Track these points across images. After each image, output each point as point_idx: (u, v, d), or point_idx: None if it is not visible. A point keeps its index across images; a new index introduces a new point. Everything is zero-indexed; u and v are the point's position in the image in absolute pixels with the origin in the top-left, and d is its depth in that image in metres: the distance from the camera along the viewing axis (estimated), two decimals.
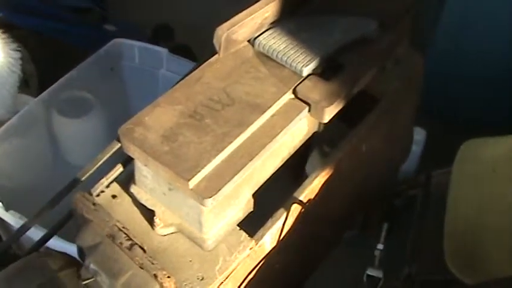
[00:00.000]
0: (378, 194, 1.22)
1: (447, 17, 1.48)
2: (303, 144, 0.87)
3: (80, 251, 0.69)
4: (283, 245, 0.85)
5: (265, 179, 0.80)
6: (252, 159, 0.71)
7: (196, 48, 1.69)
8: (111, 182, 0.80)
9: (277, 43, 0.82)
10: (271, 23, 0.85)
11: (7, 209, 1.11)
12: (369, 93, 0.97)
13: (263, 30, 0.84)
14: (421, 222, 1.28)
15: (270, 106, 0.75)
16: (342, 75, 0.80)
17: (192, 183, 0.67)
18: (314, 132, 0.87)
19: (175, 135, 0.71)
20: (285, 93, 0.77)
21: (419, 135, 1.40)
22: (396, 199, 1.41)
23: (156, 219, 0.75)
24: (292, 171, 0.96)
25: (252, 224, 0.82)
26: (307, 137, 0.86)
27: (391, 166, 1.18)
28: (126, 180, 0.80)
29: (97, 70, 1.36)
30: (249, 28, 0.79)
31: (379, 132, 1.01)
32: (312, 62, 0.80)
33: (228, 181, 0.69)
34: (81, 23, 1.67)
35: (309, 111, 0.79)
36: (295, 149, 0.84)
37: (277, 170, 0.83)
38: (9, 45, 1.27)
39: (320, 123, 0.86)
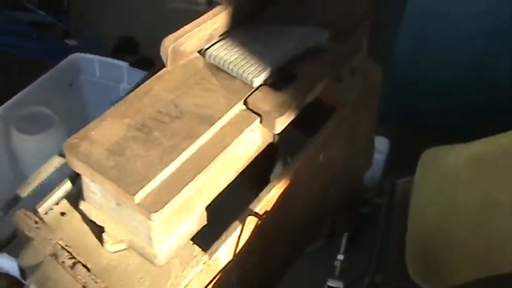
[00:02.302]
0: (342, 203, 1.22)
1: (407, 22, 1.49)
2: (267, 155, 0.86)
3: (22, 271, 0.67)
4: (240, 258, 0.84)
5: (218, 191, 0.78)
6: (201, 172, 0.70)
7: (161, 62, 1.68)
8: (60, 199, 0.78)
9: (228, 54, 0.81)
10: (223, 34, 0.84)
11: None
12: (326, 103, 0.97)
13: (214, 41, 0.83)
14: (385, 230, 1.28)
15: (220, 117, 0.74)
16: (293, 86, 0.80)
17: (138, 197, 0.66)
18: (270, 144, 0.87)
19: (122, 149, 0.69)
20: (236, 104, 0.76)
21: (382, 144, 1.41)
22: (362, 207, 1.41)
23: (105, 236, 0.73)
24: (258, 183, 0.96)
25: (213, 238, 0.81)
26: (262, 149, 0.85)
27: (353, 175, 1.18)
28: (76, 197, 0.79)
29: (55, 85, 1.34)
30: (197, 39, 0.78)
31: (338, 142, 1.01)
32: (262, 73, 0.79)
33: (176, 194, 0.67)
34: (42, 37, 1.64)
35: (261, 122, 0.78)
36: (250, 161, 0.83)
37: (237, 181, 0.82)
38: None
39: (275, 134, 0.86)
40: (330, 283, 0.95)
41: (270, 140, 0.85)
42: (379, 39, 1.56)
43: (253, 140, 0.81)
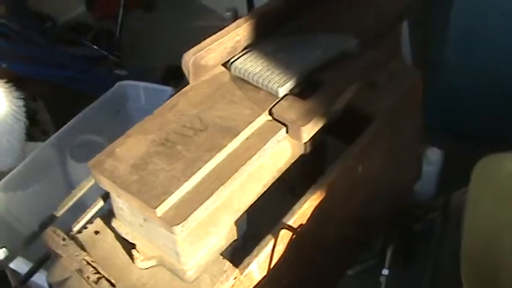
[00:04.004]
0: (391, 219, 1.17)
1: (455, 32, 1.43)
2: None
3: (50, 287, 0.68)
4: (275, 273, 0.81)
5: (247, 204, 0.77)
6: (224, 184, 0.69)
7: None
8: (93, 218, 0.79)
9: (253, 66, 0.80)
10: (248, 46, 0.84)
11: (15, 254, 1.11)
12: (364, 111, 0.94)
13: (240, 54, 0.83)
14: (440, 247, 1.21)
15: (244, 129, 0.73)
16: (319, 94, 0.78)
17: (160, 210, 0.65)
18: (301, 155, 0.85)
19: (145, 164, 0.70)
20: (260, 115, 0.75)
21: (435, 155, 1.35)
22: (415, 224, 1.35)
23: (135, 253, 0.74)
24: None
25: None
26: (293, 160, 0.83)
27: (400, 188, 1.13)
28: (109, 215, 0.80)
29: (103, 113, 1.38)
30: (219, 52, 0.78)
31: (377, 152, 0.97)
32: (288, 82, 0.78)
33: (198, 207, 0.66)
34: (94, 70, 1.71)
35: (287, 132, 0.76)
36: (280, 173, 0.81)
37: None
38: (12, 93, 1.31)
39: (306, 145, 0.84)
40: None
41: (300, 151, 0.83)
42: (429, 48, 1.52)
43: (281, 151, 0.79)
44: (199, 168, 0.69)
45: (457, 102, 1.45)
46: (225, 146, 0.72)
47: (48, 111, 1.66)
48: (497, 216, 1.03)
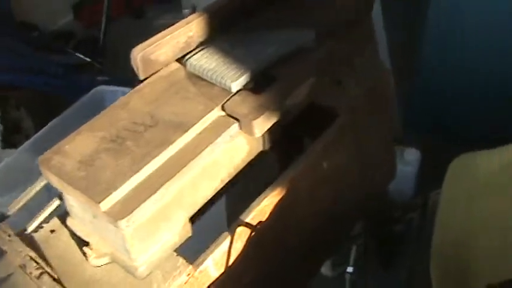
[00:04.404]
0: (362, 218, 1.16)
1: (433, 31, 1.43)
2: None
3: None
4: (234, 271, 0.81)
5: (202, 201, 0.77)
6: (171, 178, 0.68)
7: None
8: (50, 217, 0.79)
9: (208, 62, 0.80)
10: (204, 43, 0.84)
11: None
12: (328, 108, 0.94)
13: (195, 50, 0.83)
14: (417, 247, 1.20)
15: (194, 124, 0.73)
16: (273, 88, 0.78)
17: (105, 205, 0.65)
18: (261, 152, 0.85)
19: (93, 160, 0.70)
20: (212, 110, 0.75)
21: (412, 155, 1.34)
22: (395, 225, 1.34)
23: (88, 250, 0.73)
24: None
25: None
26: (251, 157, 0.83)
27: (370, 187, 1.12)
28: (65, 214, 0.79)
29: (81, 118, 1.37)
30: (171, 48, 0.78)
31: (343, 149, 0.96)
32: (241, 77, 0.78)
33: (144, 201, 0.66)
34: (76, 77, 1.72)
35: (240, 127, 0.76)
36: (237, 170, 0.81)
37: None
38: None
39: (265, 140, 0.84)
40: None
41: (259, 147, 0.83)
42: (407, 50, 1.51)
43: (237, 147, 0.79)
44: (147, 163, 0.69)
45: (435, 102, 1.44)
46: (175, 141, 0.71)
47: (32, 118, 1.67)
48: (469, 213, 1.02)
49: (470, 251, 0.96)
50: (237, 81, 0.77)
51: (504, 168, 1.06)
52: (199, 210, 0.80)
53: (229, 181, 0.81)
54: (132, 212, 0.65)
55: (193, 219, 0.95)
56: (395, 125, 1.36)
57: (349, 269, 0.96)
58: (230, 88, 0.77)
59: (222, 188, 0.81)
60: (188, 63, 0.81)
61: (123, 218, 0.65)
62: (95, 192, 0.65)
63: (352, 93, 0.95)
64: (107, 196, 0.65)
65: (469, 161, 1.12)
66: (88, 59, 1.77)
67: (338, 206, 1.01)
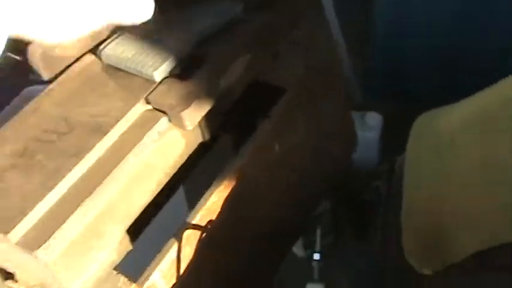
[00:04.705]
0: (328, 194, 1.09)
1: None
2: None
3: None
4: (187, 280, 0.72)
5: (138, 210, 0.67)
6: (92, 192, 0.59)
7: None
8: None
9: (125, 51, 0.70)
10: (121, 29, 0.73)
11: None
12: (272, 85, 0.85)
13: (111, 38, 0.72)
14: (386, 214, 1.13)
15: (114, 125, 0.63)
16: (202, 71, 0.68)
17: (15, 236, 0.55)
18: (201, 143, 0.75)
19: None
20: (134, 105, 0.65)
21: (374, 120, 1.27)
22: (363, 193, 1.27)
23: (13, 284, 0.64)
24: None
25: None
26: (191, 150, 0.74)
27: (332, 161, 1.04)
28: None
29: None
30: (77, 40, 0.68)
31: (295, 127, 0.88)
32: (164, 63, 0.68)
33: (62, 224, 0.57)
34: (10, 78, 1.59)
35: (170, 120, 0.67)
36: (176, 168, 0.72)
37: None
38: None
39: (204, 131, 0.74)
40: (308, 286, 0.82)
41: (197, 139, 0.74)
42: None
43: (171, 144, 0.69)
44: (63, 177, 0.59)
45: (393, 66, 1.36)
46: (94, 147, 0.61)
47: None
48: (436, 173, 0.95)
49: (442, 216, 0.90)
50: (160, 69, 0.67)
51: (465, 124, 0.99)
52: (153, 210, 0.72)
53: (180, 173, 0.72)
54: (49, 238, 0.55)
55: (148, 220, 0.86)
56: (352, 93, 1.29)
57: (316, 256, 0.88)
58: (152, 77, 0.67)
59: (176, 180, 0.72)
60: (103, 54, 0.70)
61: (39, 247, 0.55)
62: (1, 222, 0.56)
63: (296, 66, 0.86)
64: (17, 224, 0.55)
65: (431, 120, 1.05)
66: (18, 57, 1.64)
67: (299, 187, 0.93)
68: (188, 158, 0.74)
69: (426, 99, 1.24)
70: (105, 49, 0.70)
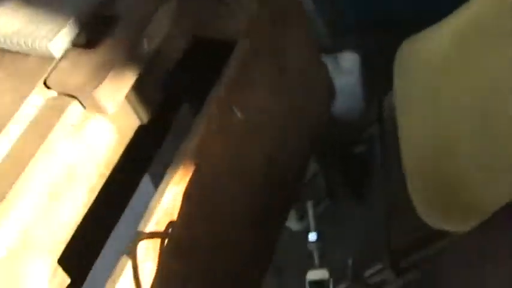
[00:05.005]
0: (314, 156, 0.93)
1: None
2: None
3: None
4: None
5: (72, 226, 0.51)
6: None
7: None
8: None
9: (8, 24, 0.52)
10: None
11: None
12: (223, 38, 0.68)
13: None
14: (386, 160, 0.98)
15: (6, 125, 0.46)
16: (115, 34, 0.51)
17: None
18: (141, 126, 0.58)
19: None
20: (28, 95, 0.48)
21: (350, 61, 1.10)
22: (354, 148, 1.11)
23: None
24: None
25: None
26: (128, 138, 0.57)
27: (309, 119, 0.87)
28: None
29: None
30: None
31: (256, 84, 0.71)
32: (61, 30, 0.50)
33: None
34: None
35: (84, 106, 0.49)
36: (115, 160, 0.55)
37: None
38: None
39: (140, 112, 0.57)
40: (310, 276, 0.66)
41: (135, 122, 0.56)
42: None
43: (96, 135, 0.52)
44: None
45: None
46: None
47: None
48: (436, 108, 0.79)
49: (451, 158, 0.74)
50: (57, 38, 0.49)
51: (459, 40, 0.83)
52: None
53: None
54: None
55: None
56: (318, 33, 1.11)
57: (312, 237, 0.73)
58: (49, 52, 0.50)
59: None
60: None
61: None
62: None
63: (246, 10, 0.68)
64: None
65: (417, 45, 0.89)
66: None
67: (278, 156, 0.76)
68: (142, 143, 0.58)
69: (403, 26, 1.07)
70: None
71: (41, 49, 0.49)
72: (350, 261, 0.72)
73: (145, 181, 0.79)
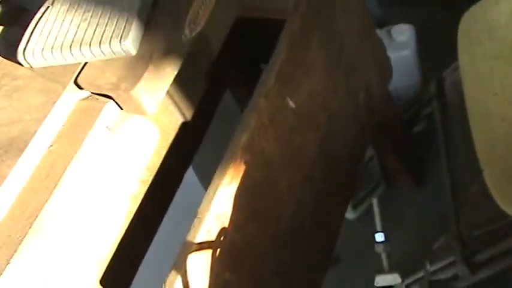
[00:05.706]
0: (372, 141, 0.85)
1: None
2: None
3: None
4: None
5: (123, 228, 0.45)
6: (26, 236, 0.37)
7: None
8: None
9: (59, 35, 0.45)
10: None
11: None
12: (269, 19, 0.61)
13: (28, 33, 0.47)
14: (450, 148, 0.89)
15: (36, 131, 0.41)
16: (157, 22, 0.44)
17: None
18: (184, 123, 0.52)
19: None
20: (60, 96, 0.42)
21: (405, 34, 1.00)
22: (413, 127, 1.02)
23: None
24: None
25: None
26: (172, 137, 0.51)
27: (366, 100, 0.79)
28: None
29: None
30: None
31: (310, 68, 0.64)
32: (131, 26, 0.43)
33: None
34: None
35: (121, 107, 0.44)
36: (159, 161, 0.49)
37: None
38: None
39: (182, 108, 0.51)
40: (380, 281, 0.59)
41: (177, 119, 0.50)
42: None
43: (134, 138, 0.47)
44: None
45: None
46: (8, 174, 0.39)
47: None
48: (506, 77, 0.70)
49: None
50: (131, 36, 0.42)
51: None
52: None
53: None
54: None
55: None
56: (369, 5, 1.02)
57: (379, 237, 0.65)
58: (127, 50, 0.42)
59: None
60: (28, 55, 0.45)
61: None
62: None
63: None
64: None
65: (482, 13, 0.79)
66: None
67: (334, 145, 0.69)
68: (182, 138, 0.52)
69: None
70: (27, 46, 0.46)
71: (115, 49, 0.42)
72: (428, 266, 0.64)
73: (189, 175, 0.73)
